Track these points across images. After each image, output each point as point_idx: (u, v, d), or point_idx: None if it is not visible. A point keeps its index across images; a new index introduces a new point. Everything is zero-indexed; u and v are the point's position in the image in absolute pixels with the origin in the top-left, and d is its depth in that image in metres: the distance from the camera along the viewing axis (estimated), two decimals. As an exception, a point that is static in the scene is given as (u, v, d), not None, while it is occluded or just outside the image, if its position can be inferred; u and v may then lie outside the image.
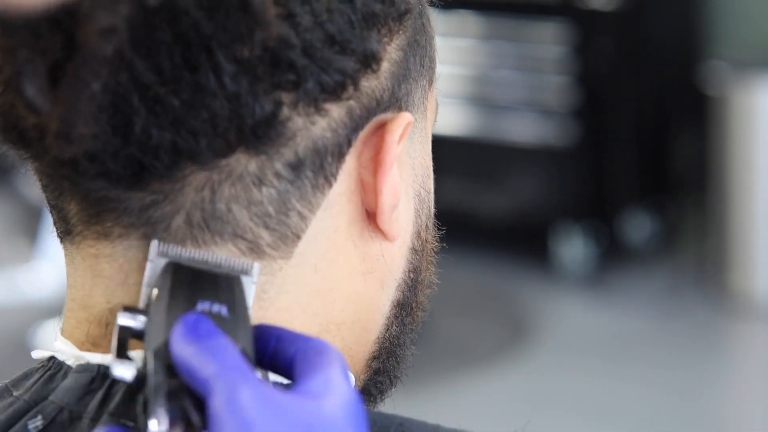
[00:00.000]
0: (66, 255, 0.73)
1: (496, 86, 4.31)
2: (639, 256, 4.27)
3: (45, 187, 0.72)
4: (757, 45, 4.26)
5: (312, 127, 0.69)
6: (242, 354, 0.64)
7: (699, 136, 4.25)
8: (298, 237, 0.70)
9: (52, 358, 0.73)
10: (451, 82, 4.25)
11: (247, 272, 0.69)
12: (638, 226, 4.27)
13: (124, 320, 0.66)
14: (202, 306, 0.66)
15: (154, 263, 0.68)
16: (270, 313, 0.71)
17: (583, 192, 4.23)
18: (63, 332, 0.73)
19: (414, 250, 0.77)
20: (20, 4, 0.61)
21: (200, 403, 0.63)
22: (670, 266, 4.23)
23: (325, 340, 0.72)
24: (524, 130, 4.26)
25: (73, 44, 0.64)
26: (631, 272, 4.20)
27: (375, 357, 0.77)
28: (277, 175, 0.69)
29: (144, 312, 0.67)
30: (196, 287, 0.67)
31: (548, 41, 4.18)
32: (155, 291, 0.67)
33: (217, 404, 0.61)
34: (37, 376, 0.72)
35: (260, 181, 0.69)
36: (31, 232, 4.38)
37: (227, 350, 0.64)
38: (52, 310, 3.93)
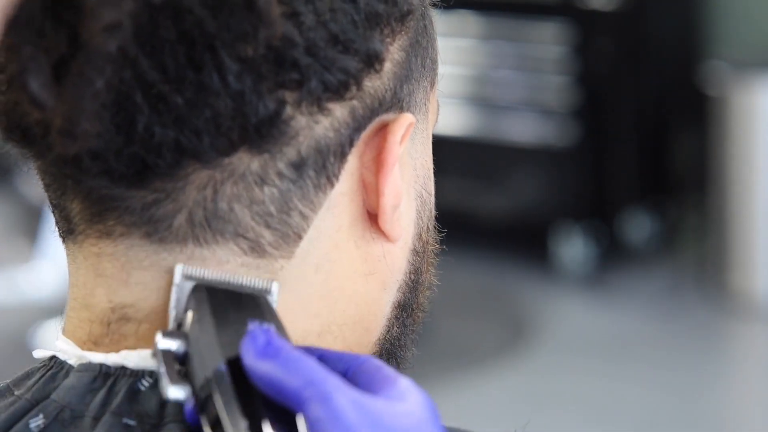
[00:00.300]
0: (68, 254, 0.73)
1: (496, 86, 4.31)
2: (639, 256, 4.27)
3: (47, 186, 0.72)
4: (757, 45, 4.26)
5: (315, 126, 0.69)
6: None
7: (699, 136, 4.25)
8: (300, 237, 0.70)
9: (53, 358, 0.73)
10: (451, 82, 4.25)
11: (268, 291, 0.69)
12: (638, 226, 4.27)
13: (165, 344, 0.67)
14: (253, 325, 0.66)
15: (180, 287, 0.68)
16: None
17: (583, 192, 4.23)
18: (65, 331, 0.73)
19: (415, 252, 0.77)
20: None
21: (281, 418, 0.63)
22: (670, 266, 4.23)
23: (327, 340, 0.73)
24: (524, 130, 4.26)
25: (77, 41, 0.64)
26: (631, 272, 4.20)
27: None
28: (280, 174, 0.69)
29: (183, 335, 0.67)
30: (238, 307, 0.67)
31: (548, 41, 4.18)
32: (190, 314, 0.67)
33: (316, 414, 0.62)
34: (38, 375, 0.72)
35: (262, 180, 0.69)
36: (31, 232, 4.37)
37: (309, 362, 0.64)
38: (52, 310, 3.93)
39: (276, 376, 0.64)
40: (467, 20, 4.28)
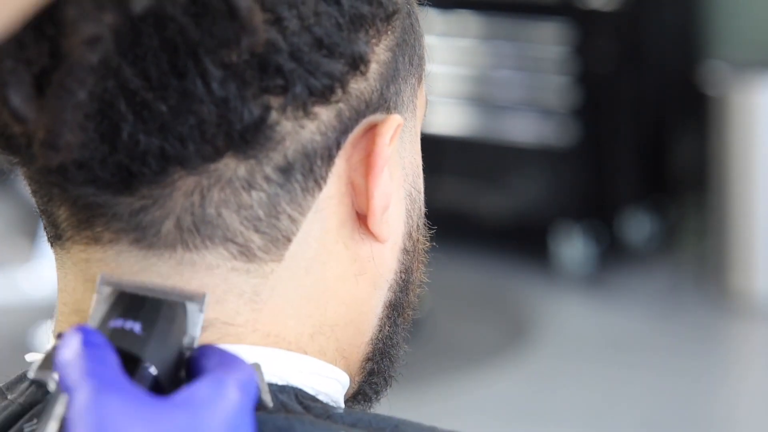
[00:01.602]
0: (56, 259, 0.73)
1: (496, 86, 4.31)
2: (639, 256, 4.27)
3: (34, 193, 0.72)
4: (757, 45, 4.26)
5: (301, 130, 0.69)
6: (128, 365, 0.64)
7: (699, 136, 4.25)
8: (289, 240, 0.70)
9: None
10: (451, 82, 4.25)
11: (192, 299, 0.68)
12: (638, 226, 4.27)
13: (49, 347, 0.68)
14: (114, 323, 0.66)
15: (100, 293, 0.68)
16: (263, 315, 0.71)
17: (583, 192, 4.23)
18: (56, 335, 0.73)
19: (405, 251, 0.77)
20: None
21: None
22: (670, 266, 4.23)
23: (319, 341, 0.73)
24: (524, 130, 4.26)
25: (58, 53, 0.63)
26: (631, 272, 4.20)
27: (369, 358, 0.77)
28: (267, 178, 0.69)
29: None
30: (119, 309, 0.67)
31: (548, 41, 4.18)
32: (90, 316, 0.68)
33: (72, 408, 0.62)
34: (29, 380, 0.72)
35: (250, 185, 0.68)
36: (31, 232, 4.37)
37: (101, 360, 0.64)
38: (52, 310, 3.92)
39: (62, 370, 0.64)
40: (467, 20, 4.28)
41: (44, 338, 3.77)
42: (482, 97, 4.31)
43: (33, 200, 0.73)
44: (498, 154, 4.32)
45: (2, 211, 4.76)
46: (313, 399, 0.71)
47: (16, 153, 0.68)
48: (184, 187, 0.68)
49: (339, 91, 0.69)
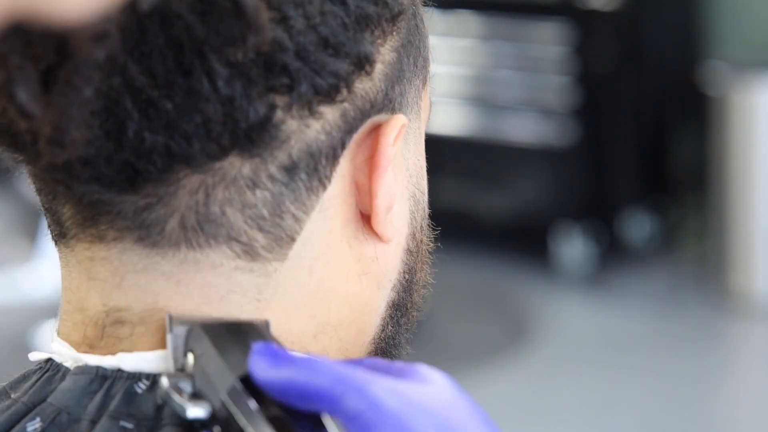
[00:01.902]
0: (60, 258, 0.73)
1: (496, 86, 4.31)
2: (639, 256, 4.27)
3: (39, 191, 0.72)
4: (757, 45, 4.26)
5: (306, 129, 0.69)
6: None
7: (699, 136, 4.25)
8: (293, 239, 0.70)
9: (49, 360, 0.73)
10: (451, 82, 4.25)
11: (265, 324, 0.69)
12: (638, 226, 4.27)
13: (172, 383, 0.67)
14: (257, 344, 0.66)
15: (174, 334, 0.68)
16: (266, 314, 0.71)
17: (583, 192, 4.22)
18: (59, 334, 0.73)
19: (409, 251, 0.77)
20: (62, 10, 0.60)
21: (302, 423, 0.64)
22: (670, 266, 4.23)
23: (322, 341, 0.73)
24: (524, 130, 4.26)
25: (65, 50, 0.63)
26: (631, 272, 4.20)
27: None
28: (271, 177, 0.69)
29: (188, 376, 0.67)
30: (238, 334, 0.67)
31: (548, 41, 4.18)
32: (190, 355, 0.67)
33: (354, 406, 0.62)
34: (34, 378, 0.72)
35: (254, 184, 0.69)
36: (31, 232, 4.37)
37: (330, 362, 0.64)
38: (52, 310, 3.92)
39: (299, 381, 0.64)
40: (467, 20, 4.28)
41: (45, 338, 3.77)
42: (482, 97, 4.31)
43: (36, 199, 0.73)
44: (498, 154, 4.32)
45: (2, 211, 4.76)
46: None
47: (22, 150, 0.68)
48: (189, 186, 0.68)
49: (344, 91, 0.69)
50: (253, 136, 0.67)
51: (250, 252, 0.70)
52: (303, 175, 0.70)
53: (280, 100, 0.67)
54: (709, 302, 3.96)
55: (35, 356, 0.74)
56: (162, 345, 0.69)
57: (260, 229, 0.69)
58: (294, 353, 0.66)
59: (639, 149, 4.27)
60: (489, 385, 3.55)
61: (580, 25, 4.12)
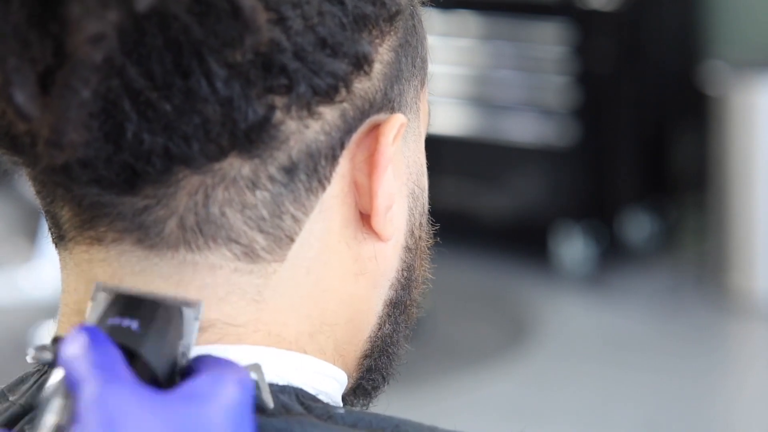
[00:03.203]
0: (60, 260, 0.73)
1: (496, 86, 4.31)
2: (639, 256, 4.27)
3: (38, 193, 0.72)
4: (757, 45, 4.26)
5: (305, 130, 0.69)
6: (127, 361, 0.65)
7: (699, 136, 4.25)
8: (292, 240, 0.70)
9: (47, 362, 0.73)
10: (451, 82, 4.25)
11: (189, 305, 0.68)
12: (638, 226, 4.28)
13: (42, 354, 0.68)
14: (112, 321, 0.67)
15: (95, 299, 0.68)
16: (264, 315, 0.71)
17: (583, 192, 4.23)
18: (58, 336, 0.73)
19: (407, 249, 0.77)
20: None
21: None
22: (670, 266, 4.23)
23: (319, 340, 0.73)
24: (524, 130, 4.26)
25: (62, 51, 0.63)
26: (631, 272, 4.20)
27: (367, 355, 0.77)
28: (271, 178, 0.69)
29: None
30: (116, 308, 0.67)
31: (548, 41, 4.18)
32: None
33: (82, 400, 0.62)
34: (32, 380, 0.72)
35: (254, 185, 0.68)
36: (31, 232, 4.37)
37: (105, 354, 0.64)
38: (52, 310, 3.91)
39: (68, 364, 0.64)
40: (467, 20, 4.28)
41: (45, 338, 3.77)
42: (482, 97, 4.31)
43: (36, 201, 0.73)
44: (498, 154, 4.32)
45: (2, 211, 4.76)
46: (314, 399, 0.71)
47: (21, 153, 0.68)
48: (188, 187, 0.68)
49: (343, 91, 0.69)
50: (252, 137, 0.67)
51: (250, 254, 0.69)
52: (302, 176, 0.69)
53: (279, 100, 0.67)
54: (709, 302, 3.96)
55: (33, 358, 0.74)
56: None
57: (260, 230, 0.69)
58: (99, 337, 0.65)
59: (639, 149, 4.27)
60: (489, 385, 3.55)
61: (580, 25, 4.13)
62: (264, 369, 0.68)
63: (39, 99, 0.63)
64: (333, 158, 0.70)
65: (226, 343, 0.69)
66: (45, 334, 3.78)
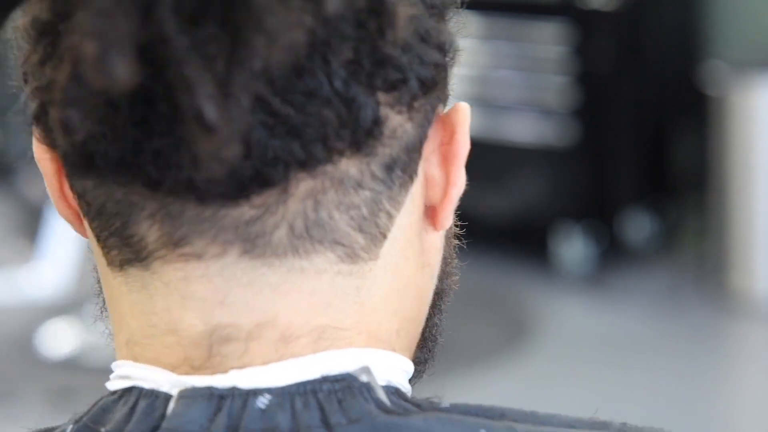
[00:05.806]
0: (129, 281, 0.69)
1: (496, 86, 4.31)
2: (639, 256, 4.27)
3: (103, 218, 0.68)
4: (757, 45, 4.26)
5: (406, 124, 0.68)
6: None
7: (699, 136, 4.25)
8: (385, 237, 0.69)
9: (130, 389, 0.69)
10: (451, 82, 4.24)
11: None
12: (638, 226, 4.28)
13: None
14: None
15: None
16: (364, 316, 0.70)
17: (583, 192, 4.23)
18: (141, 358, 0.69)
19: (447, 238, 0.77)
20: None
21: None
22: (670, 266, 4.23)
23: (401, 337, 0.72)
24: (524, 130, 4.26)
25: (236, 58, 0.60)
26: (631, 272, 4.20)
27: (420, 346, 0.77)
28: (374, 177, 0.67)
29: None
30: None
31: (548, 41, 4.18)
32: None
33: None
34: (124, 408, 0.68)
35: (359, 185, 0.67)
36: (31, 232, 4.37)
37: None
38: (53, 310, 3.93)
39: None
40: (467, 20, 4.27)
41: (45, 338, 3.76)
42: (482, 97, 4.31)
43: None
44: (498, 154, 4.32)
45: (2, 211, 4.76)
46: (410, 397, 0.71)
47: (165, 170, 0.64)
48: (299, 192, 0.66)
49: (440, 82, 0.69)
50: (366, 136, 0.66)
51: (351, 255, 0.68)
52: (399, 172, 0.68)
53: (386, 97, 0.66)
54: (709, 302, 3.96)
55: (114, 385, 0.69)
56: (276, 358, 0.67)
57: (360, 230, 0.68)
58: None
59: (639, 149, 4.27)
60: (489, 385, 3.55)
61: (580, 25, 4.13)
62: (373, 371, 0.67)
63: (222, 106, 0.60)
64: (419, 151, 0.70)
65: (336, 348, 0.68)
66: (45, 334, 3.78)
